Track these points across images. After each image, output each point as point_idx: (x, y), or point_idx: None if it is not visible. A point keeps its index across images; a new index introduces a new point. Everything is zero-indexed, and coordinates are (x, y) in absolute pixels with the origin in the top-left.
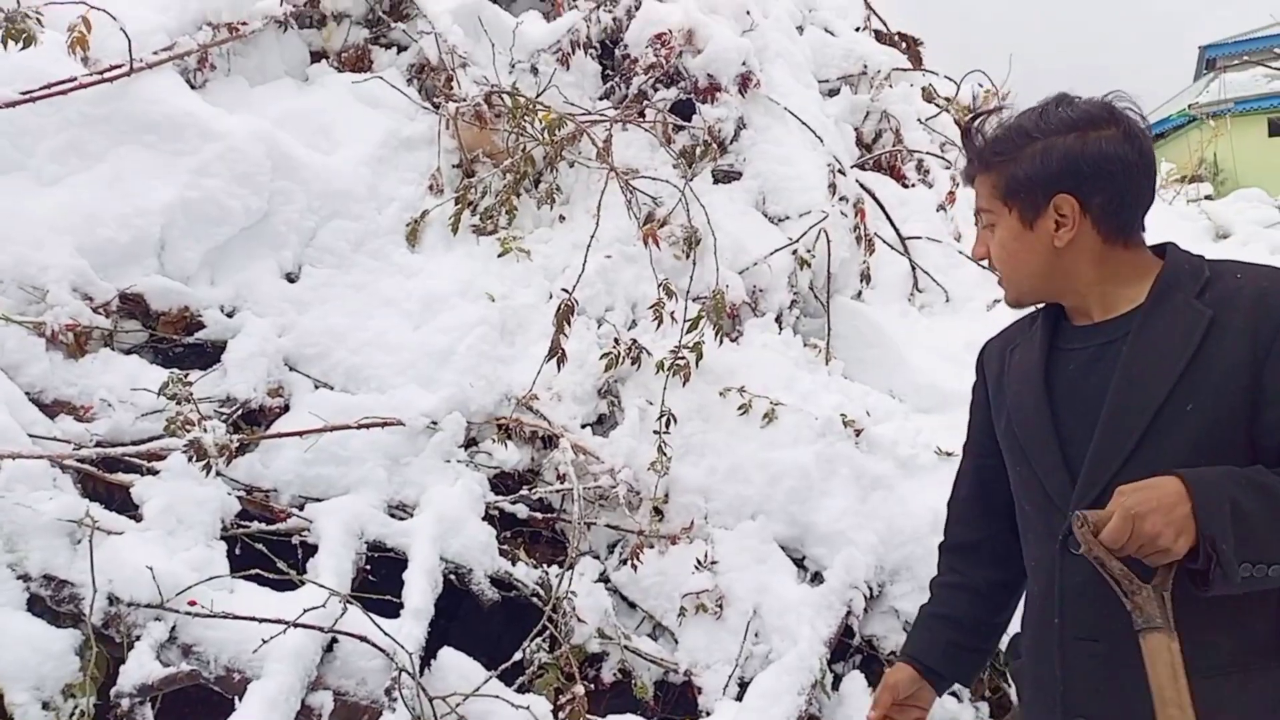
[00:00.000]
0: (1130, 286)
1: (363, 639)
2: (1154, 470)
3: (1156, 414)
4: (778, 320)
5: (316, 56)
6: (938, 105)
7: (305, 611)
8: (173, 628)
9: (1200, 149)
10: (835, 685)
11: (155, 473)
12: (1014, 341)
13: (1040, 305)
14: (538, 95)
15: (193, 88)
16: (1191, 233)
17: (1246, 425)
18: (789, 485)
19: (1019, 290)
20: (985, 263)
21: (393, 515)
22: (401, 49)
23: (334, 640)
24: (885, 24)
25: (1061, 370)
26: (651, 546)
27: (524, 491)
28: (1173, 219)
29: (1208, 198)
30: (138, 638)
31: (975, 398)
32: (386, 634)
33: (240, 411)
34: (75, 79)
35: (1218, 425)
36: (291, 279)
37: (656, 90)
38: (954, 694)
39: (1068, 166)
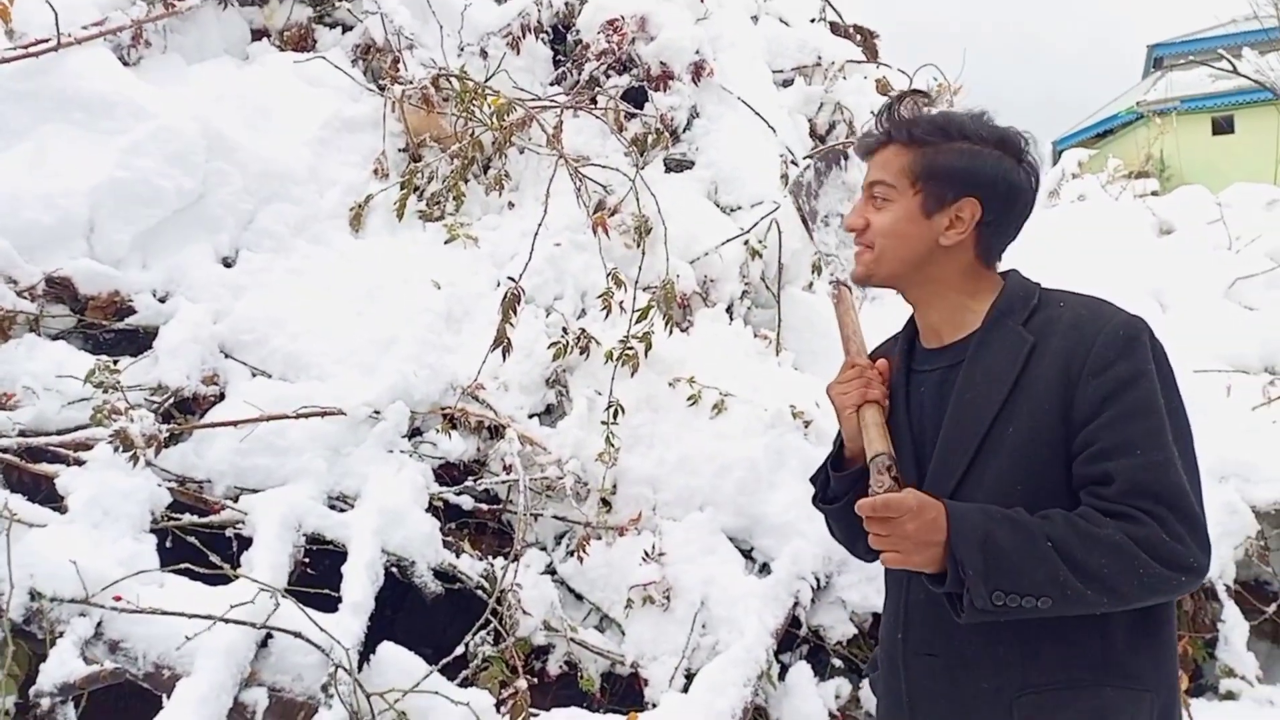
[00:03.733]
0: (978, 304)
1: (297, 635)
2: (985, 482)
3: (984, 438)
4: (728, 311)
5: (258, 35)
6: (891, 98)
7: (233, 607)
8: (98, 624)
9: (1148, 146)
10: (782, 675)
11: (81, 463)
12: (901, 348)
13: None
14: (487, 79)
15: (126, 65)
16: (1136, 228)
17: (1063, 447)
18: (738, 476)
19: (884, 269)
20: (854, 234)
21: (333, 507)
22: (347, 29)
23: (269, 635)
24: (840, 16)
25: (915, 393)
26: (599, 538)
27: (469, 482)
28: (1118, 215)
29: (1154, 193)
30: (61, 634)
31: None
32: (322, 629)
33: (172, 400)
34: None
35: (1034, 446)
36: (228, 263)
37: (608, 77)
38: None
39: (986, 177)
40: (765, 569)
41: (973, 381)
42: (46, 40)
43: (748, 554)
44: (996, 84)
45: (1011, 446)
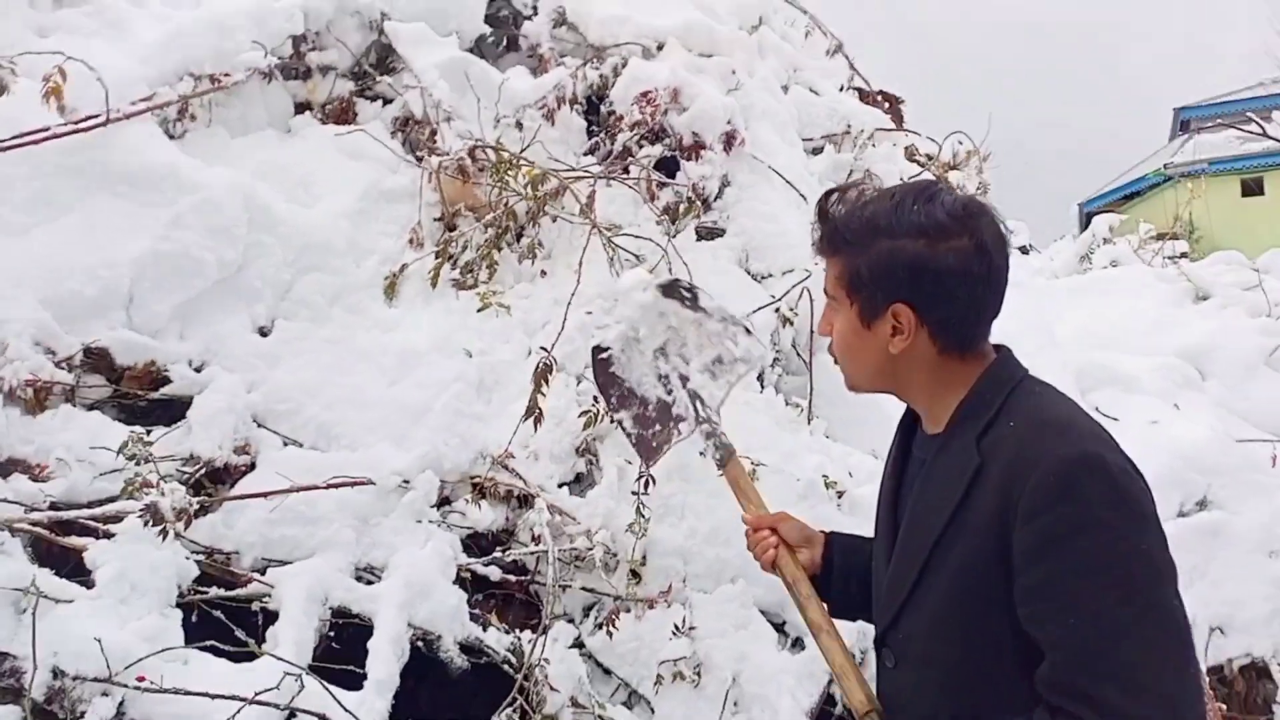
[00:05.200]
0: (953, 396)
1: (322, 717)
2: (924, 613)
3: (930, 555)
4: (760, 379)
5: (300, 108)
6: (919, 164)
7: (257, 695)
8: (120, 703)
9: (1176, 207)
10: None
11: (111, 536)
12: (901, 427)
13: None
14: (522, 150)
15: (172, 138)
16: (1170, 294)
17: (1002, 587)
18: None
19: (854, 381)
20: (829, 340)
21: (360, 578)
22: (386, 101)
23: (293, 715)
24: (868, 83)
25: (909, 475)
26: (628, 610)
27: (497, 553)
28: (1151, 280)
29: (1184, 255)
30: (83, 714)
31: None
32: (347, 710)
33: (204, 470)
34: (49, 129)
35: (970, 580)
36: (264, 333)
37: (641, 147)
38: None
39: (910, 276)
40: (799, 644)
41: (924, 495)
42: (96, 116)
43: (780, 628)
44: (1023, 148)
45: (951, 574)
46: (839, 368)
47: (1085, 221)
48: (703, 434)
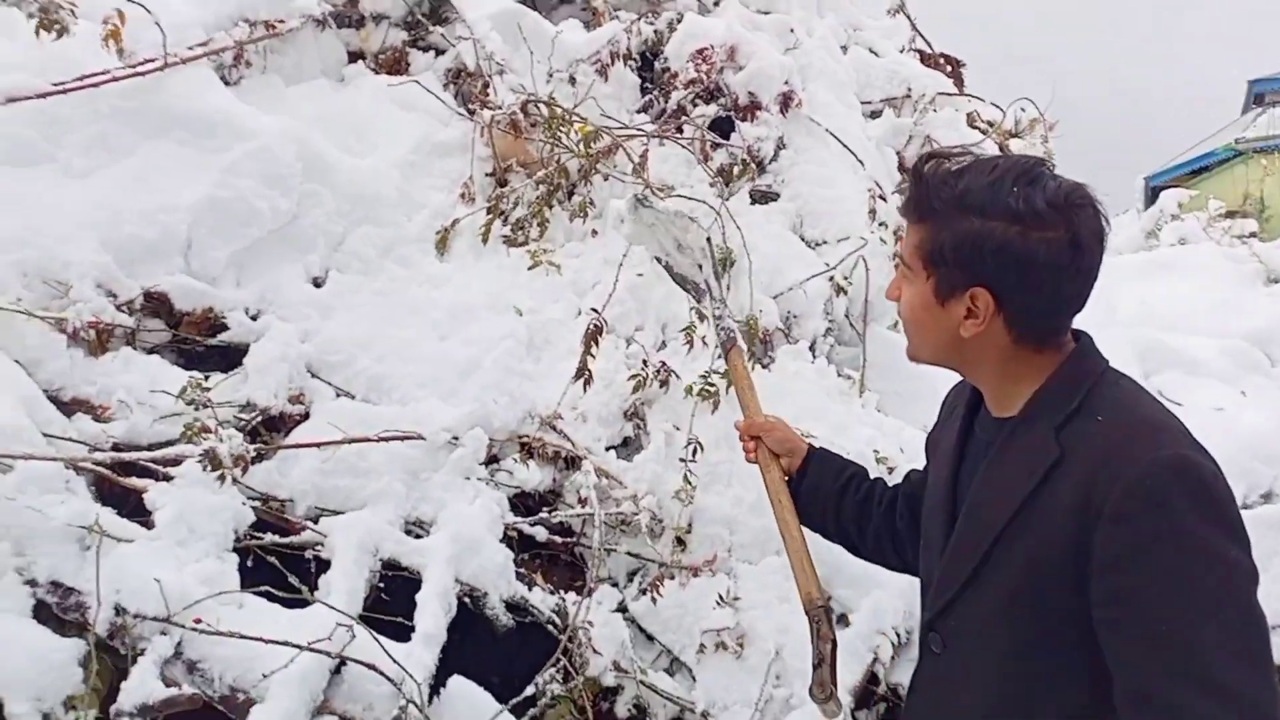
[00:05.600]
0: (1024, 386)
1: (371, 667)
2: (982, 603)
3: (993, 544)
4: (811, 348)
5: (354, 57)
6: (980, 130)
7: (310, 644)
8: (178, 643)
9: (1247, 185)
10: None
11: (170, 479)
12: (959, 399)
13: None
14: (575, 106)
15: (227, 84)
16: (1240, 275)
17: (1072, 582)
18: None
19: (918, 352)
20: (897, 305)
21: (409, 532)
22: (439, 53)
23: (342, 662)
24: (929, 44)
25: (970, 455)
26: (672, 578)
27: (544, 514)
28: (1220, 260)
29: (1253, 234)
30: (142, 651)
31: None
32: (396, 661)
33: (260, 418)
34: (108, 71)
35: (1038, 571)
36: (318, 283)
37: (695, 106)
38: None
39: (996, 262)
40: (843, 620)
41: (989, 483)
42: (154, 59)
43: None
44: (1087, 117)
45: (1016, 568)
46: (903, 333)
47: (1151, 196)
48: (711, 314)
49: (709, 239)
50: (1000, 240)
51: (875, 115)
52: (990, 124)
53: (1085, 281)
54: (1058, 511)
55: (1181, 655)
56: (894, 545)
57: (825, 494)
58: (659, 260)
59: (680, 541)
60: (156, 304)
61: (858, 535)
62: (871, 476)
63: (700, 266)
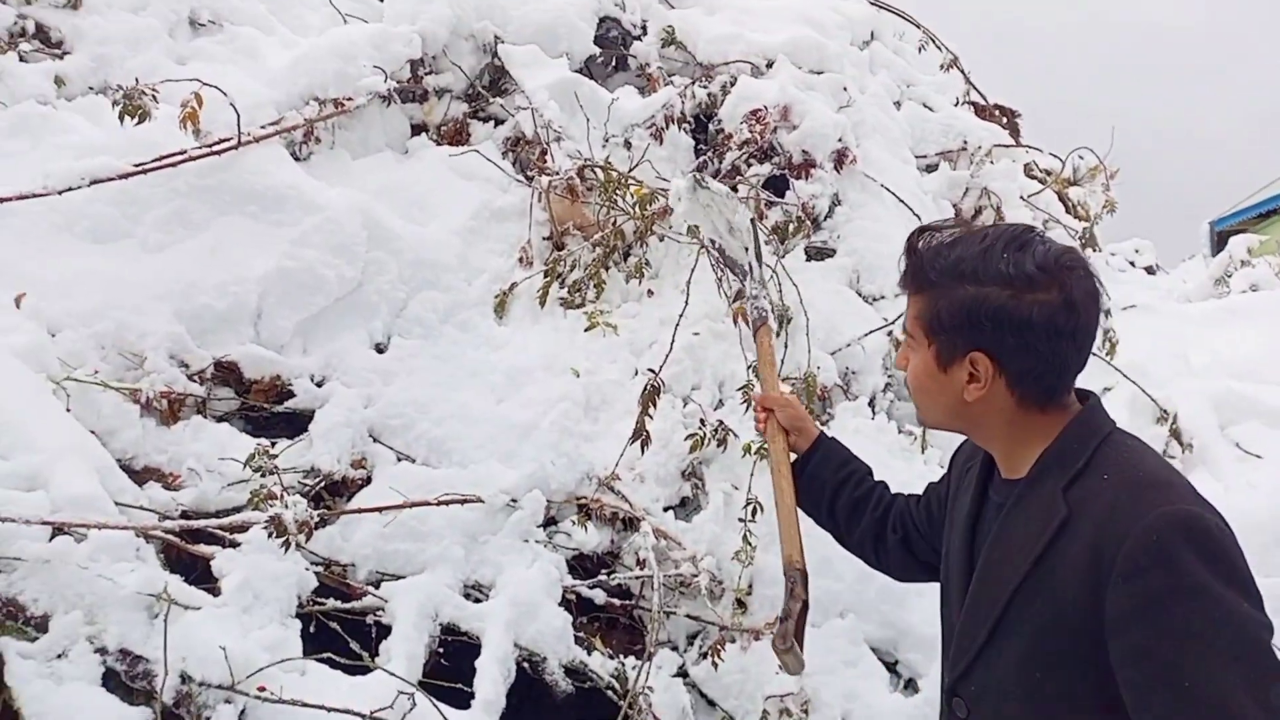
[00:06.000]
0: (1030, 449)
1: None
2: (1001, 665)
3: (1007, 606)
4: (871, 404)
5: (417, 130)
6: (1039, 180)
7: (373, 713)
8: (242, 711)
9: None
10: None
11: (236, 545)
12: (971, 461)
13: None
14: (630, 169)
15: (297, 160)
16: None
17: (1089, 641)
18: (882, 582)
19: (928, 420)
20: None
21: (468, 595)
22: (499, 122)
23: None
24: (984, 96)
25: (985, 517)
26: (733, 641)
27: (602, 576)
28: None
29: None
30: (207, 719)
31: (940, 486)
32: None
33: (323, 483)
34: (185, 151)
35: (1052, 632)
36: (380, 349)
37: (750, 166)
38: None
39: (992, 326)
40: (911, 685)
41: (1000, 544)
42: (228, 139)
43: (892, 668)
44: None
45: (1032, 630)
46: (912, 401)
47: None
48: (749, 293)
49: (753, 219)
50: (994, 305)
51: (931, 169)
52: (1048, 173)
53: (1083, 341)
54: (1069, 570)
55: (1209, 709)
56: (876, 551)
57: (824, 483)
58: (712, 243)
59: (741, 603)
60: (226, 373)
61: (846, 529)
62: (875, 478)
63: (747, 249)
